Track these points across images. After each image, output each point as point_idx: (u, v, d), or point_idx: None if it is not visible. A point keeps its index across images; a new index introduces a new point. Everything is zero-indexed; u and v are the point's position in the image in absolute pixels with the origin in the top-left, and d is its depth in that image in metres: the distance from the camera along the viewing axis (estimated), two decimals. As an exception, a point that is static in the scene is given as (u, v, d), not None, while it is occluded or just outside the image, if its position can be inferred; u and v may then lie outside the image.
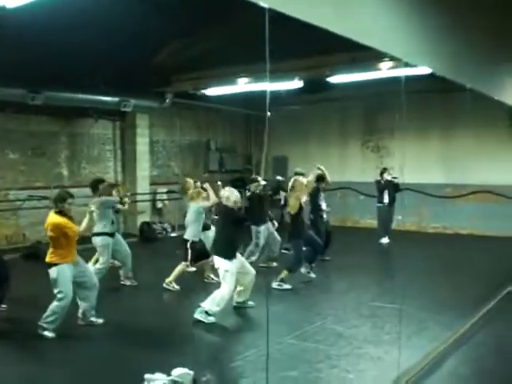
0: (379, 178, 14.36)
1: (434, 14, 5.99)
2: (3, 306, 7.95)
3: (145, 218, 16.13)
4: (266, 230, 11.00)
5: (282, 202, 11.89)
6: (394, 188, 13.95)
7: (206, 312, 7.60)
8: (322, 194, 11.69)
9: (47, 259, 7.17)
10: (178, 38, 12.59)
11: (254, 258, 10.80)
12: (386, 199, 14.16)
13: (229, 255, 7.84)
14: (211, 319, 7.59)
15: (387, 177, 14.08)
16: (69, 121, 15.22)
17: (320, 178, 11.34)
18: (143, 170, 16.50)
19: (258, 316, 8.09)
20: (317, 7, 3.97)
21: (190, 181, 10.64)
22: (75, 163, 15.40)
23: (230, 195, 8.08)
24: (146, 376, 5.26)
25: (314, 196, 11.07)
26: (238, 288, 8.23)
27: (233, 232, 8.07)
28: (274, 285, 9.53)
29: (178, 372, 5.30)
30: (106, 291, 8.70)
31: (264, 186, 11.40)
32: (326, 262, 11.41)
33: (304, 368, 5.95)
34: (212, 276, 9.95)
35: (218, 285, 8.15)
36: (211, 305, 7.62)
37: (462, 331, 7.17)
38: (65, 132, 15.17)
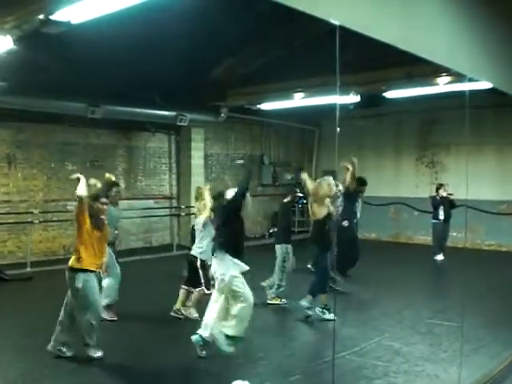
0: (434, 194, 14.20)
1: (495, 29, 5.97)
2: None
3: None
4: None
5: None
6: (450, 204, 13.76)
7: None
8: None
9: None
10: (234, 53, 12.76)
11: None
12: (442, 215, 13.95)
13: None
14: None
15: (443, 193, 13.90)
16: (126, 134, 15.57)
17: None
18: (197, 183, 16.60)
19: (312, 331, 8.13)
20: (383, 24, 4.03)
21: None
22: (132, 175, 15.69)
23: None
24: (206, 387, 5.31)
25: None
26: None
27: None
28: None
29: (237, 384, 5.32)
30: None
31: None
32: (382, 278, 11.26)
33: (362, 384, 5.92)
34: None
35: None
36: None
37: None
38: (122, 145, 15.52)
